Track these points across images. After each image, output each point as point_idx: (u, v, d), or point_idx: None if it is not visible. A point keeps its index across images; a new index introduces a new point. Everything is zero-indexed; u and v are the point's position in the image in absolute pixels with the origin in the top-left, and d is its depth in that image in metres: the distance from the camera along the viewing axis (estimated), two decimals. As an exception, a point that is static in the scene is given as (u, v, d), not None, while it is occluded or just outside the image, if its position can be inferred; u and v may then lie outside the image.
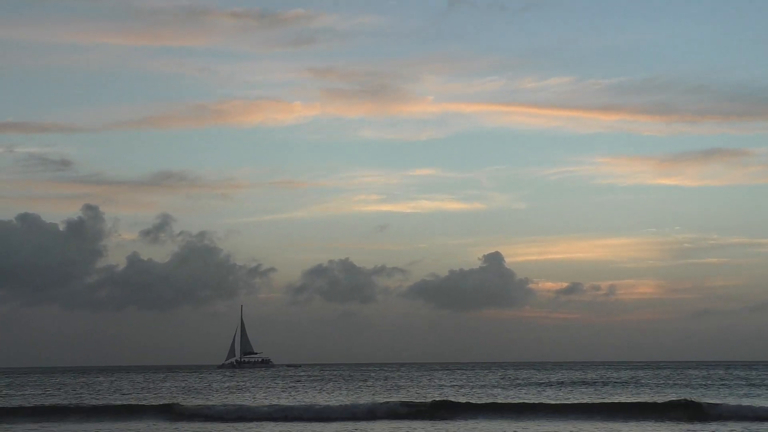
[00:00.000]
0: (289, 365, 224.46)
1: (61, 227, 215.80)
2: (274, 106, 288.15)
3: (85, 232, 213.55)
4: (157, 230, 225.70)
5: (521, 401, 65.78)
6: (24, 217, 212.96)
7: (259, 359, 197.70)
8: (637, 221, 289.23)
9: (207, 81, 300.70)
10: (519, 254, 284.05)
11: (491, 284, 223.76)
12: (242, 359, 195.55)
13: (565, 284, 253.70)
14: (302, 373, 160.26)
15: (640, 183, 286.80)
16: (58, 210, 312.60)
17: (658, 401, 61.14)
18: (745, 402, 63.11)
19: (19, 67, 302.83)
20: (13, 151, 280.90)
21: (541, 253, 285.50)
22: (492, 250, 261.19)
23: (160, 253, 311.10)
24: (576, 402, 64.07)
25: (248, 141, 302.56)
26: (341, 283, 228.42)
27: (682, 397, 62.81)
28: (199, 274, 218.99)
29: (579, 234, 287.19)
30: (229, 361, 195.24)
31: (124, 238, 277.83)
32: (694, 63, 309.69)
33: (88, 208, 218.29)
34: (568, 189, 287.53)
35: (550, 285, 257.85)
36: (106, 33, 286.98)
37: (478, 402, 63.92)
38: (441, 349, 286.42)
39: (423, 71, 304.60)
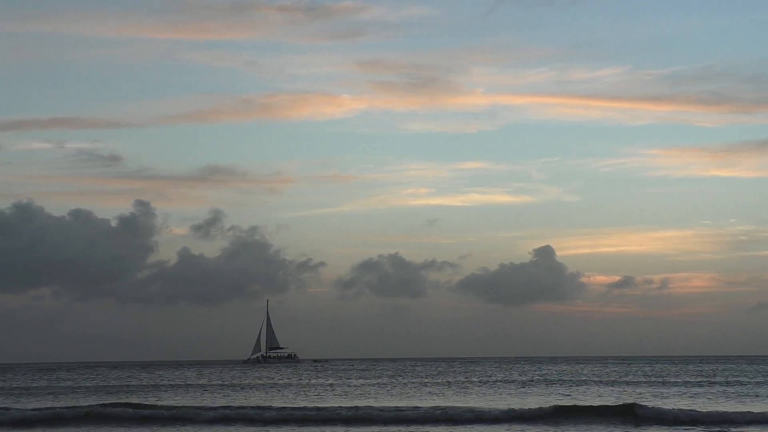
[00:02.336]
0: (315, 360, 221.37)
1: (113, 223, 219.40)
2: (322, 99, 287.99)
3: (136, 227, 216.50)
4: (208, 225, 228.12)
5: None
6: (77, 213, 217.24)
7: (285, 354, 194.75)
8: (691, 213, 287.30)
9: (254, 74, 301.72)
10: (570, 247, 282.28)
11: (542, 278, 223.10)
12: (268, 354, 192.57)
13: (617, 278, 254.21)
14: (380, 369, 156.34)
15: (694, 174, 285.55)
16: (110, 205, 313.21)
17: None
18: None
19: (67, 63, 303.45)
20: (64, 147, 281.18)
21: (593, 247, 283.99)
22: (543, 244, 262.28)
23: (211, 248, 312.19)
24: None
25: (296, 135, 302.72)
26: (391, 278, 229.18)
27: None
28: (250, 269, 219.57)
29: (631, 227, 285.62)
30: (254, 356, 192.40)
31: (174, 234, 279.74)
32: (749, 52, 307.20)
33: (139, 203, 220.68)
34: (620, 181, 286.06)
35: (602, 279, 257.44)
36: (153, 27, 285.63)
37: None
38: (491, 343, 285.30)
39: (472, 63, 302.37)
